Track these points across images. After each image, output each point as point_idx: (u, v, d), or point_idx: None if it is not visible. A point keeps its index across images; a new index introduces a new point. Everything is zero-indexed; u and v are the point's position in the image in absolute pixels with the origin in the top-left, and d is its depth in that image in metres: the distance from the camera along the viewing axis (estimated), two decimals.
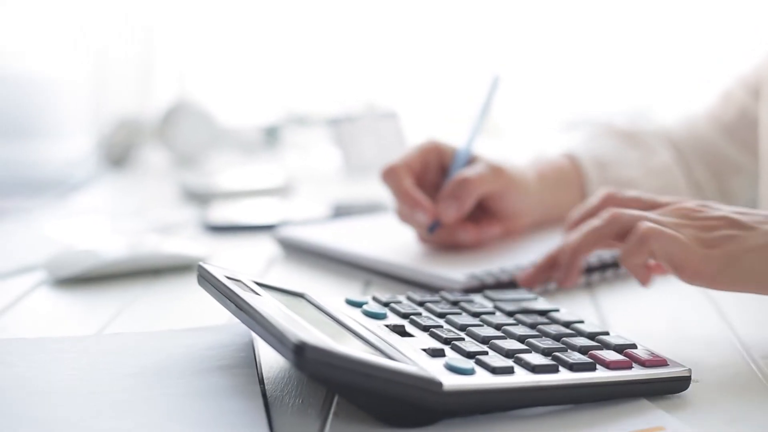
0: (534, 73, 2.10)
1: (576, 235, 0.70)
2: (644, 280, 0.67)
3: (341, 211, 1.15)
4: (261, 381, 0.58)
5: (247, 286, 0.60)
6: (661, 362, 0.56)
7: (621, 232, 0.66)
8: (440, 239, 0.86)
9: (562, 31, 2.12)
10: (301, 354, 0.48)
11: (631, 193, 0.73)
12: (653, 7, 2.09)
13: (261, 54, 2.16)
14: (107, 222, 1.17)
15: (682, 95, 1.09)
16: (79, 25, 2.18)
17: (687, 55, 2.03)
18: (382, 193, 1.20)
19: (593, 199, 0.74)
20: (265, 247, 0.98)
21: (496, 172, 0.87)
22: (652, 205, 0.70)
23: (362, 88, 2.09)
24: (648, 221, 0.65)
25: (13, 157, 2.26)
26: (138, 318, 0.75)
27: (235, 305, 0.57)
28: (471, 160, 0.89)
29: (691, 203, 0.67)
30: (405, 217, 0.87)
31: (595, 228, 0.68)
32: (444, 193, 0.85)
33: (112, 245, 0.87)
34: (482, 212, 0.89)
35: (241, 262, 0.94)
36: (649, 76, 2.04)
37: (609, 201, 0.72)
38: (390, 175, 0.86)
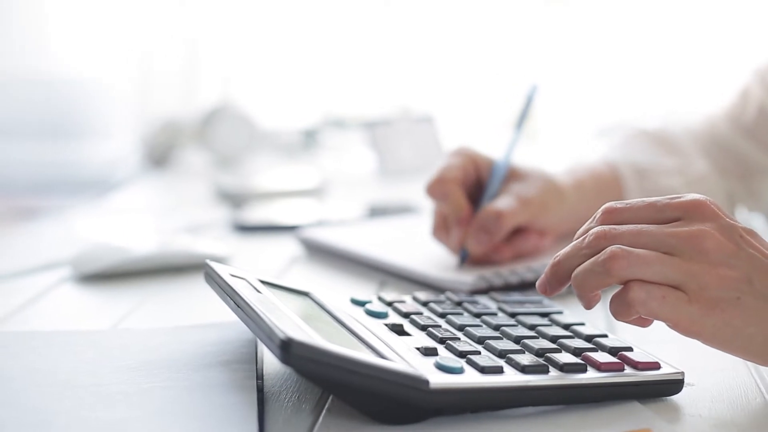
0: (569, 78, 2.10)
1: (576, 276, 0.57)
2: (643, 326, 0.59)
3: (376, 213, 1.16)
4: (260, 377, 0.59)
5: (250, 284, 0.62)
6: (654, 365, 0.56)
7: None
8: (477, 260, 0.84)
9: (595, 37, 2.11)
10: (287, 350, 0.49)
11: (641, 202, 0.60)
12: (687, 15, 2.08)
13: (301, 59, 2.18)
14: (139, 221, 1.19)
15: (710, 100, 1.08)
16: (127, 30, 2.23)
17: (718, 62, 2.02)
18: (417, 196, 1.21)
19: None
20: (289, 247, 0.99)
21: (526, 204, 0.84)
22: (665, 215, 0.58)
23: (398, 92, 2.11)
24: (636, 283, 0.55)
25: (58, 157, 2.31)
26: (153, 314, 0.77)
27: (234, 302, 0.58)
28: (510, 173, 0.87)
29: (734, 233, 0.56)
30: (441, 237, 0.85)
31: (590, 273, 0.56)
32: (475, 225, 0.82)
33: (136, 243, 0.89)
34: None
35: (264, 261, 0.96)
36: (682, 83, 2.03)
37: (608, 218, 0.59)
38: (443, 188, 0.84)
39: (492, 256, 0.83)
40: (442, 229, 0.85)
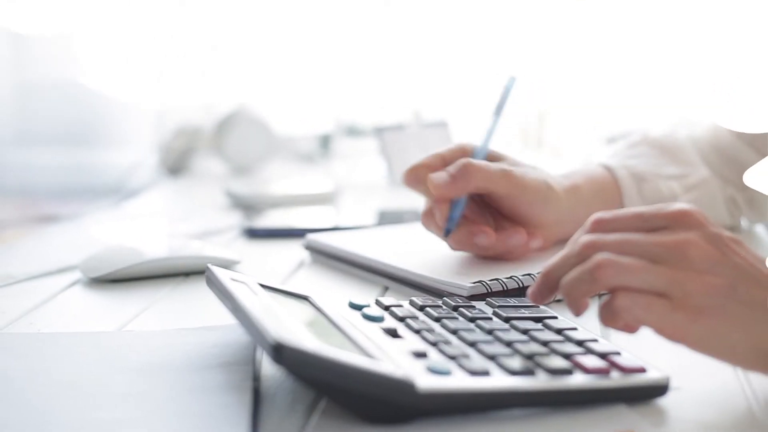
0: (580, 86, 2.11)
1: (564, 284, 0.59)
2: (631, 332, 0.59)
3: (386, 219, 1.17)
4: (256, 378, 0.61)
5: (250, 288, 0.63)
6: (640, 369, 0.57)
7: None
8: (460, 243, 0.86)
9: (604, 46, 2.12)
10: (279, 352, 0.51)
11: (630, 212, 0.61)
12: (692, 24, 2.08)
13: (316, 66, 2.20)
14: (151, 226, 1.21)
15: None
16: (145, 36, 2.26)
17: (727, 69, 2.02)
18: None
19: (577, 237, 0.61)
20: (296, 252, 1.01)
21: (505, 175, 0.85)
22: (654, 224, 0.59)
23: (412, 97, 2.12)
24: (622, 291, 0.56)
25: (77, 163, 2.34)
26: (159, 318, 0.78)
27: (232, 305, 0.60)
28: (490, 158, 0.89)
29: (719, 242, 0.57)
30: (426, 221, 0.88)
31: (578, 281, 0.58)
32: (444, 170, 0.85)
33: (145, 248, 0.91)
34: (506, 221, 0.89)
35: (271, 265, 0.98)
36: (687, 91, 2.03)
37: (599, 227, 0.61)
38: (416, 174, 0.86)
39: (477, 237, 0.85)
40: (429, 216, 0.87)
